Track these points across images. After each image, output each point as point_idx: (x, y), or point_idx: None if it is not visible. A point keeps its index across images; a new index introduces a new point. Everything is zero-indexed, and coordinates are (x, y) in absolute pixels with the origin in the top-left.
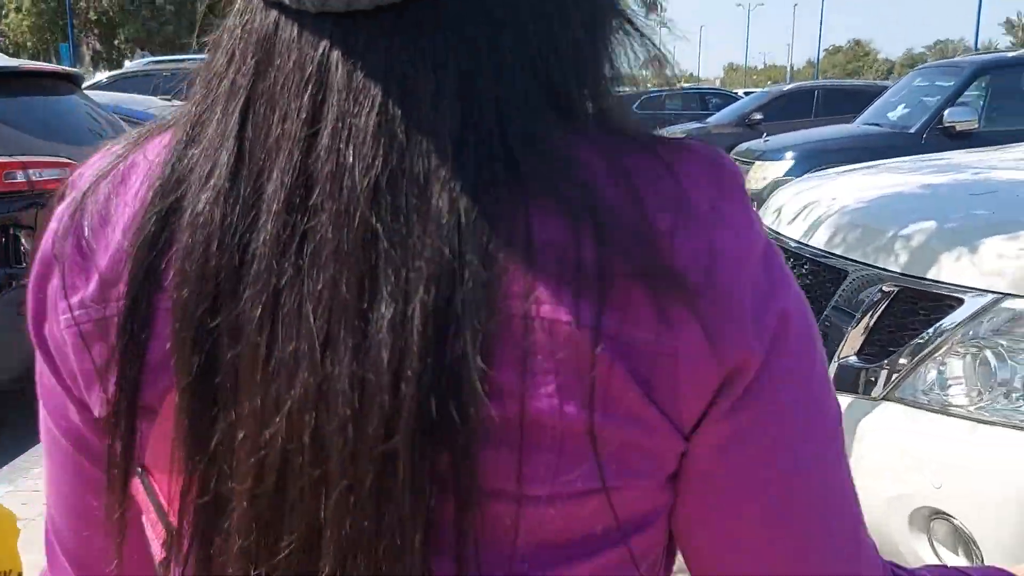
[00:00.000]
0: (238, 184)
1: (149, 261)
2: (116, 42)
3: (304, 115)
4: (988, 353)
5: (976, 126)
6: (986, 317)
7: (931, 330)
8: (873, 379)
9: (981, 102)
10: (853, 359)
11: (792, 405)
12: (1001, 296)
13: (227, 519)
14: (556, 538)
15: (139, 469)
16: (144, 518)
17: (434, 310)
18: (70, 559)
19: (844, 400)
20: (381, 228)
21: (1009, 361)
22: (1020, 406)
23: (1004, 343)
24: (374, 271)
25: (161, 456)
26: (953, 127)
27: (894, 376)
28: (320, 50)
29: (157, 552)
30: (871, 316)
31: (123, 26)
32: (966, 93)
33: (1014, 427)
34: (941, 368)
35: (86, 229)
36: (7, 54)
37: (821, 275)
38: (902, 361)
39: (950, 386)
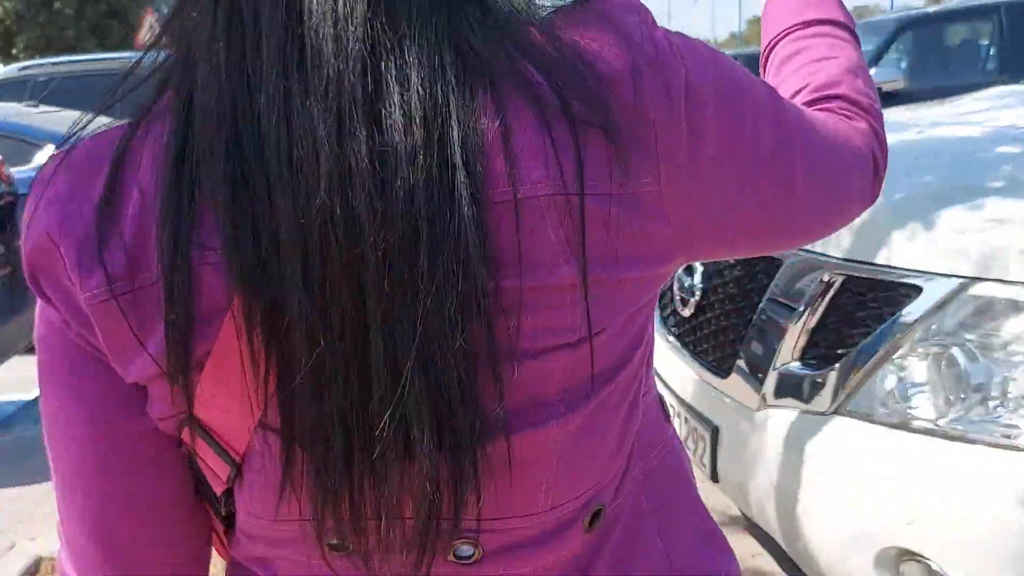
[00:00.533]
0: (233, 43)
1: (178, 221)
2: (14, 51)
3: None
4: (956, 352)
5: (902, 85)
6: (950, 308)
7: (884, 327)
8: (820, 389)
9: (904, 61)
10: (795, 365)
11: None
12: (967, 281)
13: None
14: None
15: (191, 420)
16: (201, 466)
17: (432, 107)
18: (104, 543)
19: (787, 415)
20: (381, 33)
21: (982, 360)
22: (999, 416)
23: (974, 339)
24: (376, 66)
25: (213, 399)
26: (879, 87)
27: (845, 385)
28: None
29: (219, 487)
30: (812, 312)
31: (20, 34)
32: (889, 52)
33: (995, 445)
34: (901, 373)
35: (95, 210)
36: None
37: (751, 263)
38: (854, 366)
39: (912, 395)
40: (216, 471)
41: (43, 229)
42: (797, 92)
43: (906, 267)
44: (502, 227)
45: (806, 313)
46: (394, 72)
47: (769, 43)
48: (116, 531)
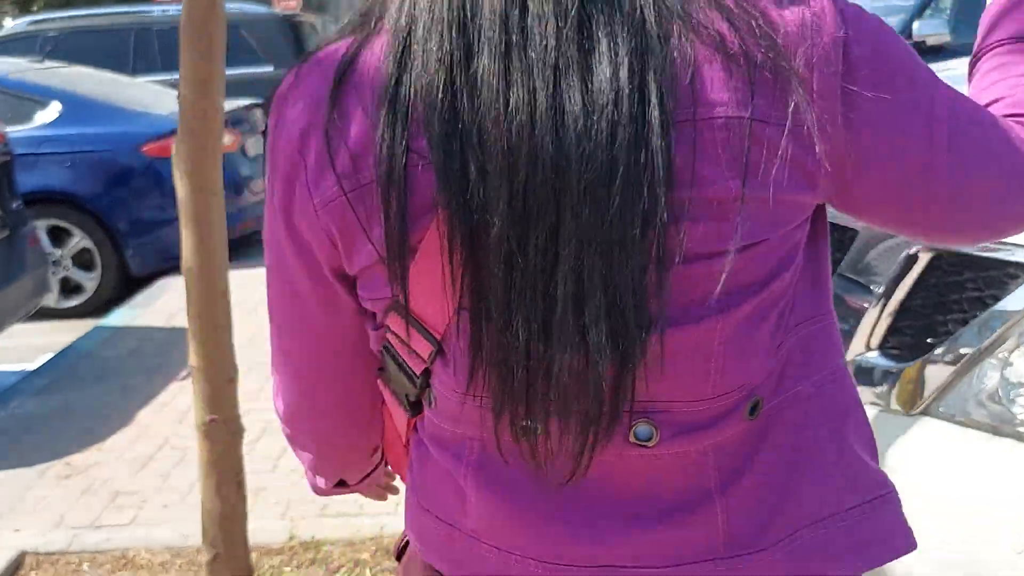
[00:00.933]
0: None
1: (394, 130)
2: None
3: None
4: None
5: (948, 39)
6: None
7: (985, 314)
8: (904, 385)
9: (948, 13)
10: (874, 356)
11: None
12: None
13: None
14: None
15: (400, 306)
16: (401, 352)
17: (637, 57)
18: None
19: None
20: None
21: None
22: None
23: None
24: (588, 22)
25: (418, 286)
26: (923, 42)
27: (935, 381)
28: None
29: (419, 366)
30: (894, 293)
31: None
32: (933, 4)
33: None
34: (1005, 370)
35: (327, 127)
36: None
37: None
38: (946, 359)
39: (1018, 396)
40: (419, 351)
41: (290, 140)
42: (994, 101)
43: (1015, 242)
44: (680, 146)
45: (888, 294)
46: (603, 28)
47: (978, 48)
48: (316, 392)
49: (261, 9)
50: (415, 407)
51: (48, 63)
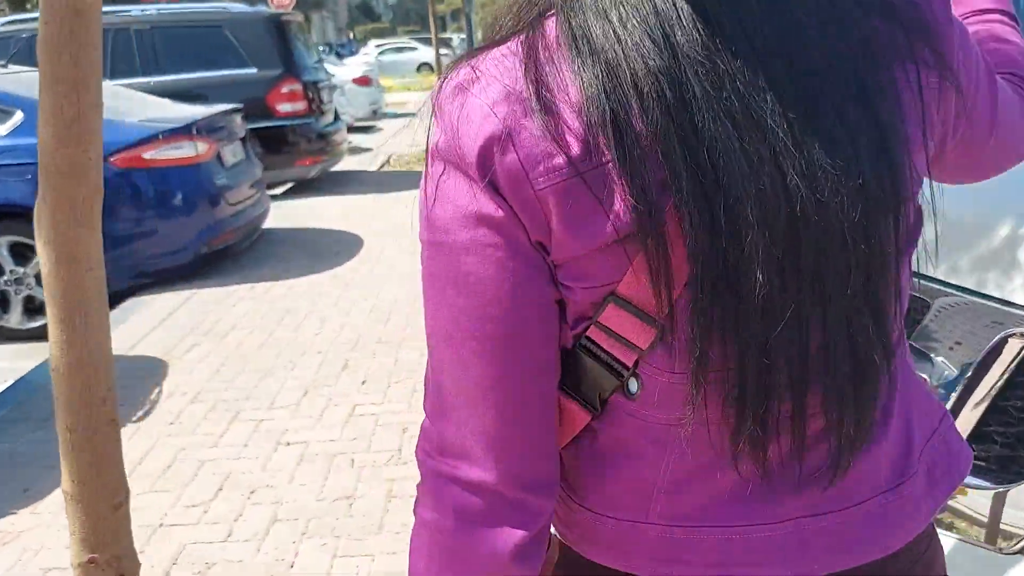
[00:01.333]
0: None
1: (624, 118)
2: (28, 5)
3: None
4: None
5: None
6: None
7: None
8: (997, 514)
9: None
10: None
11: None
12: None
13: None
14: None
15: (613, 297)
16: (607, 345)
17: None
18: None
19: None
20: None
21: None
22: None
23: None
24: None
25: (637, 273)
26: None
27: None
28: None
29: (631, 358)
30: (983, 381)
31: None
32: None
33: None
34: None
35: (543, 105)
36: None
37: None
38: None
39: None
40: (634, 339)
41: (489, 136)
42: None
43: None
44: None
45: (973, 382)
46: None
47: None
48: (523, 411)
49: (245, 8)
50: (603, 405)
51: (13, 67)
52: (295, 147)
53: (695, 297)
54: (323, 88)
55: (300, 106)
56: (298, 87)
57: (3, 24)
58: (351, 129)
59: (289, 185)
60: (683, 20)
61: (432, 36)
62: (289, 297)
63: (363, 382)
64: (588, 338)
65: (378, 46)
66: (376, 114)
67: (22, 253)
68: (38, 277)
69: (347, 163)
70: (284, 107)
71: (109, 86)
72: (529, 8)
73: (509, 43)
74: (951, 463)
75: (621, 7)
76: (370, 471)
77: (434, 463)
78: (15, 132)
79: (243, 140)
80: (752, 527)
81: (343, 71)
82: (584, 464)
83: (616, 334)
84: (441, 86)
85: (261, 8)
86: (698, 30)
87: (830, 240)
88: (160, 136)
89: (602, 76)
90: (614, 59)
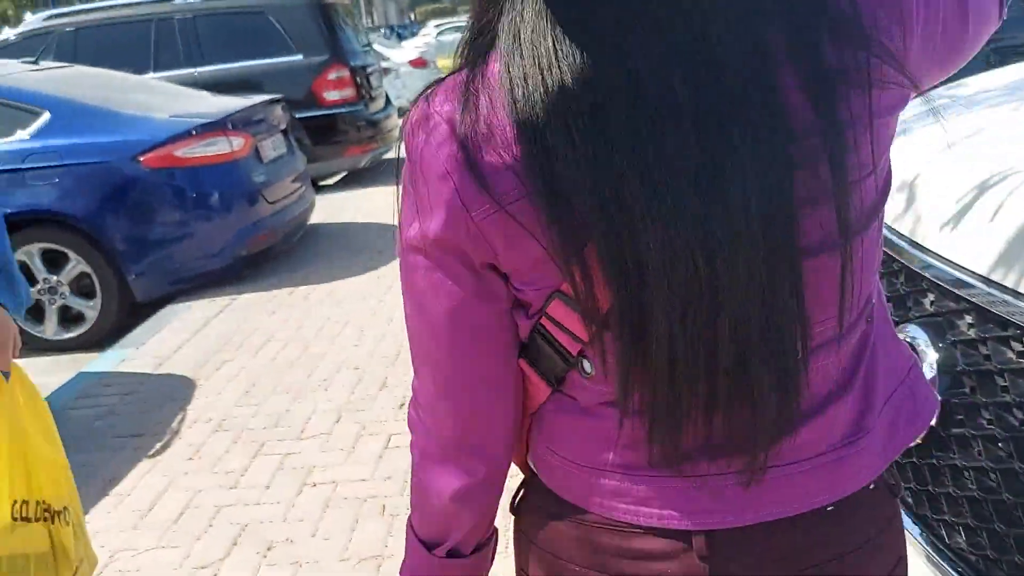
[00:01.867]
0: (591, 61)
1: (544, 154)
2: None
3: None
4: None
5: None
6: None
7: None
8: None
9: None
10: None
11: None
12: None
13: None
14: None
15: (559, 293)
16: (557, 335)
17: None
18: (454, 402)
19: None
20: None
21: None
22: None
23: None
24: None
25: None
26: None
27: None
28: None
29: (575, 348)
30: None
31: None
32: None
33: None
34: None
35: (476, 144)
36: None
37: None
38: None
39: None
40: (576, 332)
41: (437, 175)
42: None
43: None
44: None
45: None
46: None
47: None
48: (463, 396)
49: None
50: (560, 382)
51: (44, 64)
52: (345, 136)
53: (613, 322)
54: (372, 73)
55: (348, 93)
56: (346, 73)
57: (45, 19)
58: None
59: (340, 176)
60: (601, 62)
61: None
62: (328, 303)
63: (400, 405)
64: (541, 325)
65: (437, 26)
66: None
67: (55, 260)
68: (72, 285)
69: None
70: (332, 94)
71: (139, 79)
72: (475, 44)
73: (461, 75)
74: (916, 410)
75: (552, 54)
76: (401, 521)
77: (412, 408)
78: (41, 133)
79: (284, 132)
80: (708, 476)
81: (399, 53)
82: (557, 418)
83: (562, 325)
84: (406, 119)
85: None
86: (616, 70)
87: (735, 279)
88: (193, 132)
89: (528, 117)
90: (540, 102)
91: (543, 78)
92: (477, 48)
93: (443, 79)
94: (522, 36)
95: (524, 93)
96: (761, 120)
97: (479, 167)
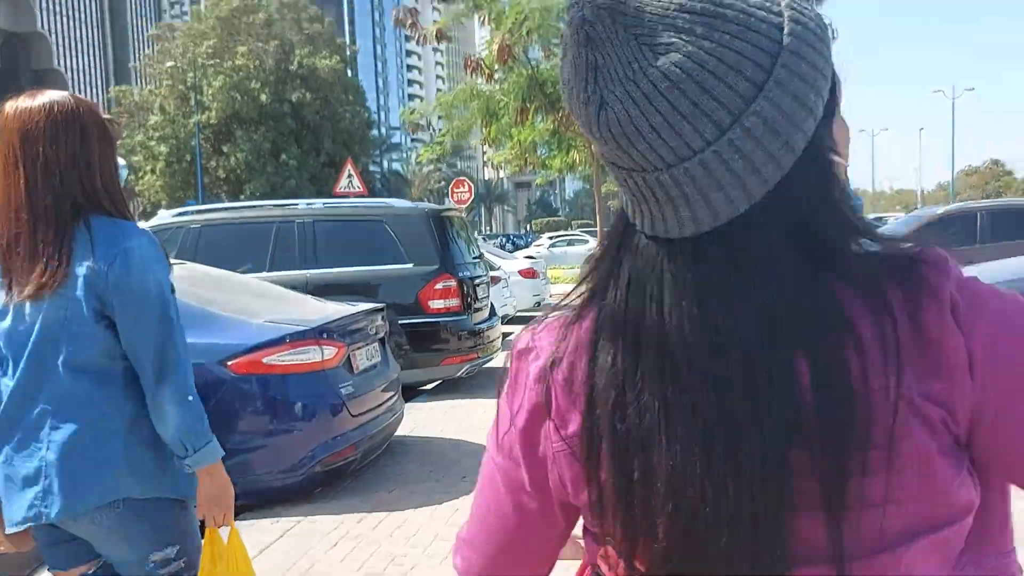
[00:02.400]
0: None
1: (598, 413)
2: (242, 196)
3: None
4: None
5: None
6: None
7: None
8: None
9: None
10: None
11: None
12: None
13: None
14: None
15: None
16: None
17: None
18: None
19: None
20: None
21: None
22: None
23: None
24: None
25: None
26: None
27: None
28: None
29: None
30: None
31: (249, 182)
32: None
33: None
34: None
35: (562, 383)
36: (144, 214)
37: None
38: None
39: None
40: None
41: (529, 407)
42: None
43: None
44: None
45: None
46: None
47: None
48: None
49: (407, 204)
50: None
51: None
52: (445, 345)
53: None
54: (480, 284)
55: (453, 303)
56: (452, 283)
57: (174, 215)
58: (513, 320)
59: (435, 383)
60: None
61: (598, 229)
62: (398, 538)
63: None
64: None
65: (551, 238)
66: (539, 305)
67: None
68: None
69: (501, 358)
70: (437, 303)
71: (248, 281)
72: (588, 281)
73: (563, 315)
74: None
75: (626, 376)
76: None
77: (457, 541)
78: None
79: (382, 340)
80: None
81: (511, 264)
82: None
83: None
84: (514, 344)
85: (422, 203)
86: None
87: (734, 527)
88: (287, 339)
89: (591, 421)
90: (611, 383)
91: (615, 394)
92: (588, 290)
93: (545, 315)
94: (613, 331)
95: (607, 356)
96: None
97: (558, 409)
